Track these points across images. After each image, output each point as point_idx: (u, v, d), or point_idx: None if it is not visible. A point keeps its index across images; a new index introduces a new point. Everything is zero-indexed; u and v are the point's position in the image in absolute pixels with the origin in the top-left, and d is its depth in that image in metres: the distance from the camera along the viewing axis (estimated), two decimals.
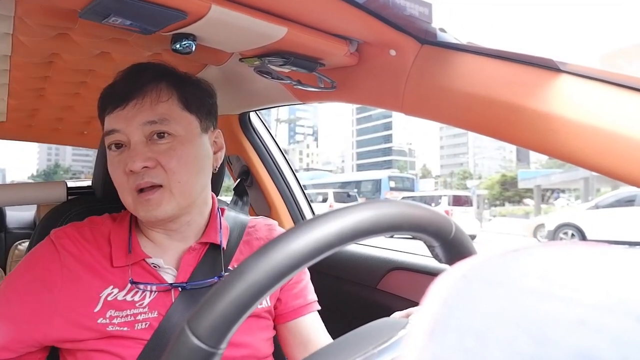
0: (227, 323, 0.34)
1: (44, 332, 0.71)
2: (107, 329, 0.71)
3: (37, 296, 0.72)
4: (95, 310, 0.72)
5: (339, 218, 0.38)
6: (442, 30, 0.72)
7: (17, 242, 1.96)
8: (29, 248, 0.86)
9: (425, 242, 0.48)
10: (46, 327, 0.71)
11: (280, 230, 0.94)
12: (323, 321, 0.91)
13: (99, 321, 0.71)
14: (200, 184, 0.80)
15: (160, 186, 0.74)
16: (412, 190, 23.66)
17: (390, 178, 23.77)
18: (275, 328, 0.88)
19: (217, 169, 0.87)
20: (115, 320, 0.72)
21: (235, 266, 0.81)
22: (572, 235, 10.60)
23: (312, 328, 0.88)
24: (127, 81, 0.78)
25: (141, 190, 0.74)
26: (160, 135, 0.75)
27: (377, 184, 22.86)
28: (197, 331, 0.34)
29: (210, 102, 0.85)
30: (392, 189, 22.67)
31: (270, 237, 0.89)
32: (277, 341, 0.93)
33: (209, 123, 0.84)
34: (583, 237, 10.12)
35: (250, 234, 0.90)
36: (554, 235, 10.92)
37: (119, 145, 0.76)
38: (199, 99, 0.82)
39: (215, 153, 0.86)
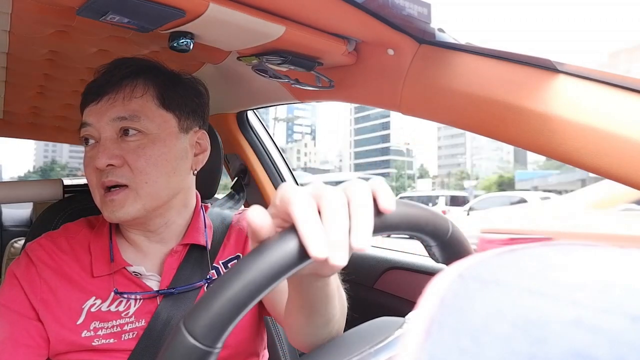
0: (223, 322, 0.34)
1: (45, 345, 0.70)
2: (93, 343, 0.69)
3: (24, 313, 0.70)
4: (78, 322, 0.70)
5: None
6: (440, 30, 0.72)
7: (12, 240, 1.95)
8: (24, 246, 0.86)
9: (422, 242, 0.48)
10: (43, 341, 0.70)
11: None
12: None
13: (83, 334, 0.70)
14: (172, 186, 0.76)
15: (126, 186, 0.71)
16: None
17: (359, 179, 24.21)
18: (261, 312, 0.84)
19: (196, 172, 0.83)
20: (100, 332, 0.70)
21: (220, 263, 0.81)
22: None
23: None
24: (105, 76, 0.76)
25: (108, 190, 0.72)
26: (128, 132, 0.73)
27: None
28: (194, 330, 0.34)
29: (197, 102, 0.82)
30: None
31: None
32: (272, 340, 0.93)
33: (191, 123, 0.80)
34: None
35: (234, 227, 0.87)
36: None
37: (89, 140, 0.75)
38: (180, 97, 0.79)
39: (196, 155, 0.82)
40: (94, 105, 0.74)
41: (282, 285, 0.74)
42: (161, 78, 0.78)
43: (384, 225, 0.40)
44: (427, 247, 0.49)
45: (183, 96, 0.79)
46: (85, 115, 0.75)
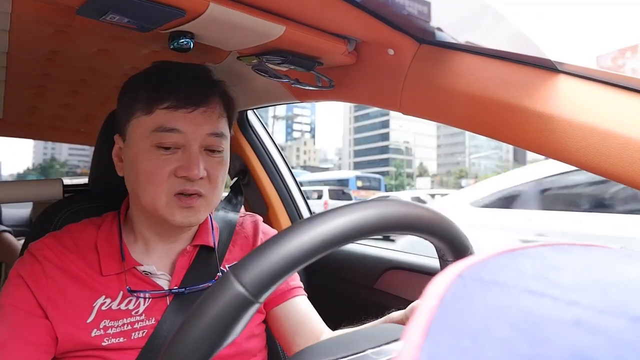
0: (273, 276, 0.35)
1: (53, 344, 0.69)
2: (102, 344, 0.69)
3: (32, 311, 0.69)
4: (88, 321, 0.70)
5: (381, 207, 0.40)
6: (439, 29, 0.72)
7: None
8: (25, 247, 0.85)
9: (438, 252, 0.49)
10: (51, 339, 0.69)
11: (263, 225, 0.95)
12: None
13: (93, 334, 0.69)
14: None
15: (201, 196, 0.74)
16: (379, 190, 24.91)
17: (357, 177, 24.94)
18: (265, 320, 0.87)
19: None
20: (110, 331, 0.70)
21: (227, 267, 0.82)
22: None
23: (300, 310, 0.87)
24: (193, 82, 0.75)
25: (179, 195, 0.73)
26: (221, 150, 0.77)
27: (344, 183, 23.43)
28: (242, 279, 0.35)
29: None
30: (359, 188, 23.74)
31: (256, 234, 0.91)
32: (271, 339, 0.93)
33: None
34: None
35: (239, 233, 0.90)
36: None
37: (168, 146, 0.73)
38: (236, 112, 0.85)
39: None
40: (187, 113, 0.73)
41: (301, 320, 0.84)
42: (230, 99, 0.82)
43: (416, 226, 0.41)
44: (443, 261, 0.49)
45: (236, 114, 0.85)
46: (171, 118, 0.72)
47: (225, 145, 0.78)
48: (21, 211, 2.56)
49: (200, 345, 0.34)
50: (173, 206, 0.72)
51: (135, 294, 0.73)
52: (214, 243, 0.83)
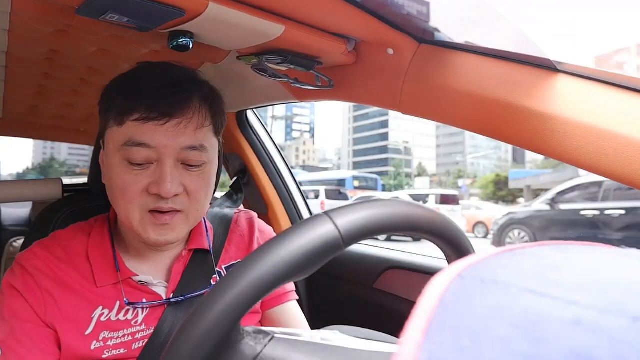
0: (367, 230, 0.37)
1: (58, 352, 0.67)
2: (103, 356, 0.67)
3: (36, 321, 0.66)
4: (87, 332, 0.67)
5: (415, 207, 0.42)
6: (436, 29, 0.72)
7: (12, 240, 1.95)
8: (24, 246, 0.84)
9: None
10: (57, 347, 0.67)
11: (259, 222, 0.92)
12: (319, 320, 0.90)
13: (92, 346, 0.67)
14: (208, 205, 0.77)
15: (179, 211, 0.69)
16: (375, 190, 25.26)
17: (354, 177, 25.31)
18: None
19: None
20: (110, 342, 0.68)
21: (223, 267, 0.81)
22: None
23: (294, 315, 0.87)
24: (167, 90, 0.68)
25: (154, 211, 0.68)
26: (201, 165, 0.70)
27: (341, 183, 23.63)
28: (338, 221, 0.36)
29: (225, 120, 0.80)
30: (355, 187, 24.02)
31: (252, 232, 0.88)
32: None
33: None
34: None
35: (234, 231, 0.87)
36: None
37: (139, 162, 0.67)
38: (224, 118, 0.77)
39: None
40: (158, 126, 0.66)
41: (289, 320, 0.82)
42: (217, 105, 0.75)
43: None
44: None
45: (225, 117, 0.78)
46: (140, 132, 0.66)
47: (208, 156, 0.71)
48: (21, 211, 2.57)
49: (280, 268, 0.34)
50: (147, 223, 0.68)
51: (133, 306, 0.71)
52: (209, 245, 0.80)
